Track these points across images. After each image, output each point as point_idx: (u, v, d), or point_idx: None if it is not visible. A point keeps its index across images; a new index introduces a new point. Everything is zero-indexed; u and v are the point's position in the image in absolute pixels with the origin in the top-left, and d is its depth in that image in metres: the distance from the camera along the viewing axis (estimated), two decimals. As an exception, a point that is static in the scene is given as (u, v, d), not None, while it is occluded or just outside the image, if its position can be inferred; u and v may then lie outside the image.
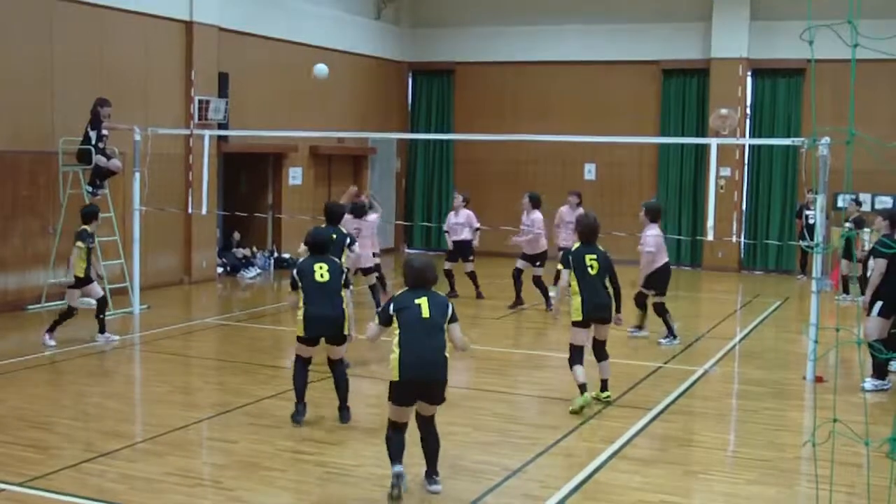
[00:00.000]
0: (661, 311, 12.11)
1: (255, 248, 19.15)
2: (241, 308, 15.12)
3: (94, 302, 11.61)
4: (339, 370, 8.27)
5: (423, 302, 6.47)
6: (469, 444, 7.66)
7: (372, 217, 13.87)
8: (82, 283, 11.39)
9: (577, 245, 9.06)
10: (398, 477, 6.35)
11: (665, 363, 11.03)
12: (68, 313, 11.32)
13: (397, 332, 6.44)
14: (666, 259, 12.22)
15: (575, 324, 8.87)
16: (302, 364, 8.26)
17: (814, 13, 4.64)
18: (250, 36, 18.05)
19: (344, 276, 8.23)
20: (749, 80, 20.67)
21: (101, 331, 11.58)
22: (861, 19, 4.23)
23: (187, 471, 6.91)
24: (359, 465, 7.07)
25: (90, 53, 14.70)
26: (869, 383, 9.70)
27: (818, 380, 10.01)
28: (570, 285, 8.86)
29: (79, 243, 11.34)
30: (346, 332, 8.13)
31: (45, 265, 13.87)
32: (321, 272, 8.11)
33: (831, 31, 4.40)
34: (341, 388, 8.25)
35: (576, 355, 8.85)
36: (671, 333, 12.12)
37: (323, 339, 8.24)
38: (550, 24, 21.93)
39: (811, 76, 19.84)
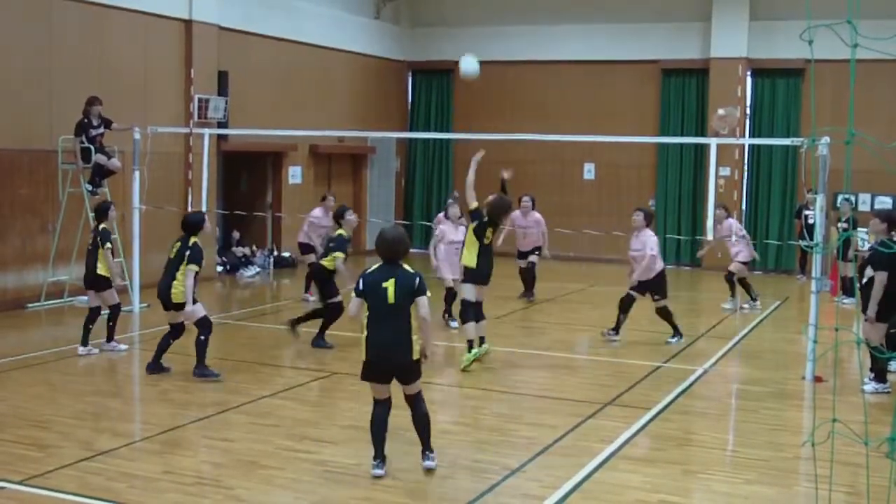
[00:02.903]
0: (667, 313, 12.18)
1: (254, 247, 19.15)
2: (240, 307, 15.12)
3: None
4: (197, 333, 9.67)
5: (390, 285, 6.56)
6: (468, 443, 7.66)
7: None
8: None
9: (481, 222, 10.79)
10: (377, 477, 6.72)
11: (664, 363, 11.03)
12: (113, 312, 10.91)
13: (366, 312, 6.65)
14: (663, 263, 12.24)
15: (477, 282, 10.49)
16: (169, 331, 9.88)
17: (813, 13, 4.63)
18: (250, 35, 18.06)
19: (188, 254, 9.47)
20: (749, 79, 20.68)
21: (109, 339, 10.94)
22: (861, 19, 4.22)
23: (186, 469, 6.90)
24: (358, 463, 7.06)
25: (89, 52, 14.69)
26: (870, 386, 9.61)
27: (817, 380, 10.01)
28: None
29: (107, 244, 10.71)
30: (177, 302, 9.56)
31: (45, 264, 13.87)
32: (172, 251, 9.62)
33: (831, 31, 4.38)
34: (198, 347, 9.61)
35: (472, 312, 10.40)
36: (678, 333, 12.22)
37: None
38: (550, 24, 21.93)
39: (811, 76, 19.85)
